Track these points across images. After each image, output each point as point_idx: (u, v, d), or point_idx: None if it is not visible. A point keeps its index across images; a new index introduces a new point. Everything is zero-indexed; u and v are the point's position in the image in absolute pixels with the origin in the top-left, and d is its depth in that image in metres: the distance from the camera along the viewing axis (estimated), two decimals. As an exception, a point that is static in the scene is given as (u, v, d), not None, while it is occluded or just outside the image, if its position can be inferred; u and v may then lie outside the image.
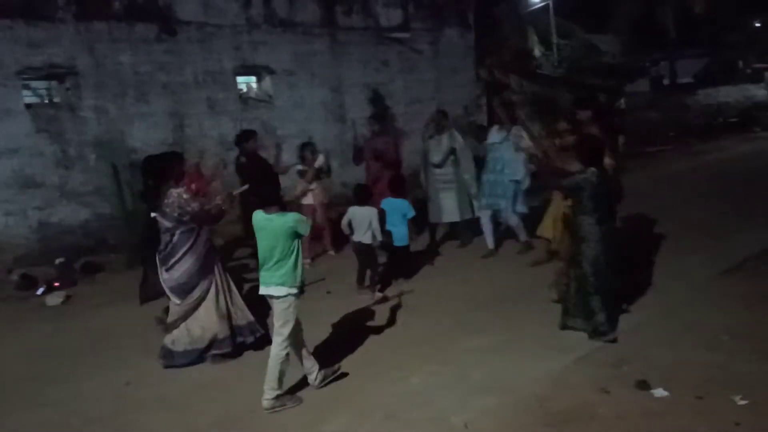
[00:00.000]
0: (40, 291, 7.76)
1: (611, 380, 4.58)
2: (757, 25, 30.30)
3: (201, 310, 5.22)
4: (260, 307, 5.32)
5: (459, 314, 6.10)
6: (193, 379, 5.09)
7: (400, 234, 7.22)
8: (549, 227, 7.04)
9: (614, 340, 5.28)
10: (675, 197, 11.00)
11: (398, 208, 7.18)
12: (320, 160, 8.14)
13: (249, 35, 10.63)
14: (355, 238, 6.96)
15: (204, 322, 5.21)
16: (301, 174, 8.07)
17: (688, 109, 22.53)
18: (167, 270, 5.17)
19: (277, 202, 4.59)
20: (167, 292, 5.22)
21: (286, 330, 4.47)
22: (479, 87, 14.49)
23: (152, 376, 5.18)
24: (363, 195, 7.07)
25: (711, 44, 29.65)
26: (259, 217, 4.54)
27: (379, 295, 6.80)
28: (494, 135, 8.06)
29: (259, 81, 11.24)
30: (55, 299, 7.43)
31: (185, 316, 5.22)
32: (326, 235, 8.64)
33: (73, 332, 6.46)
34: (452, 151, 8.19)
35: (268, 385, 4.45)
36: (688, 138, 19.61)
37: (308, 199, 8.16)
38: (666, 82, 29.06)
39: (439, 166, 8.23)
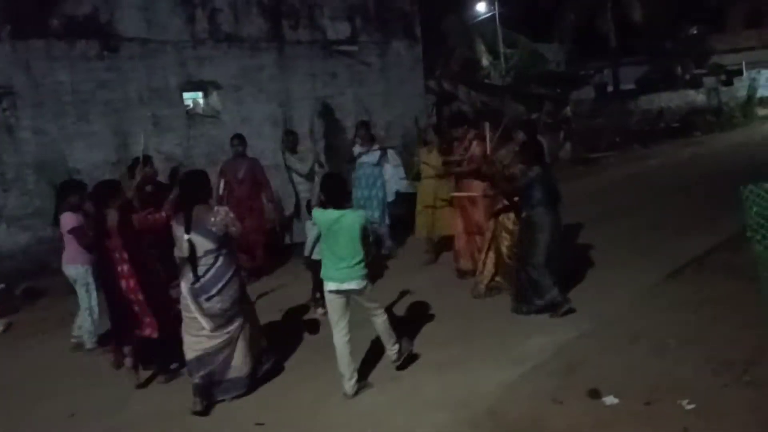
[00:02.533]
0: (-21, 320, 7.44)
1: (563, 390, 4.63)
2: (694, 32, 31.42)
3: (236, 348, 4.80)
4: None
5: (407, 328, 6.07)
6: (137, 410, 4.92)
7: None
8: (422, 227, 8.42)
9: (573, 310, 6.05)
10: (619, 203, 11.26)
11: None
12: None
13: (194, 50, 10.48)
14: (306, 252, 6.91)
15: (236, 361, 4.83)
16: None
17: (631, 115, 23.18)
18: (209, 298, 4.63)
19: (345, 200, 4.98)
20: (202, 317, 4.64)
21: (380, 307, 5.04)
22: (429, 98, 14.59)
23: (97, 406, 5.00)
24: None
25: (650, 52, 30.61)
26: (327, 215, 4.75)
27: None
28: (366, 155, 8.74)
29: (205, 96, 11.08)
30: (-5, 328, 7.14)
31: (214, 351, 4.73)
32: None
33: (15, 362, 6.24)
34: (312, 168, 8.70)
35: (391, 342, 5.02)
36: (632, 143, 20.17)
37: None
38: (610, 89, 29.80)
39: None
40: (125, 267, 5.22)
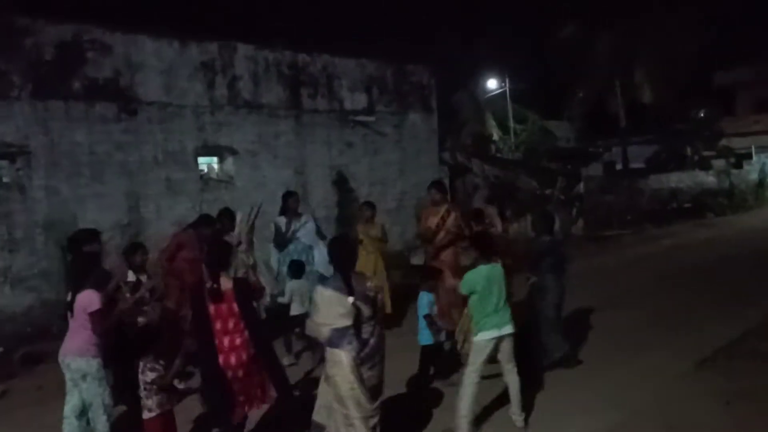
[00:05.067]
0: (-26, 385, 7.10)
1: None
2: (702, 115, 31.76)
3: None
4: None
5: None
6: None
7: (420, 332, 6.40)
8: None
9: (580, 362, 6.80)
10: (637, 285, 10.97)
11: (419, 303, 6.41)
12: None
13: (212, 116, 10.50)
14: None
15: None
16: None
17: (641, 194, 23.07)
18: (372, 367, 4.35)
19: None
20: (366, 393, 4.31)
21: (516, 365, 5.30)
22: (442, 170, 14.55)
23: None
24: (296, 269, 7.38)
25: (660, 132, 30.88)
26: (483, 271, 5.20)
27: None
28: (297, 229, 8.23)
29: (221, 161, 11.03)
30: (-10, 394, 6.80)
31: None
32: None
33: (8, 433, 5.88)
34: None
35: (520, 408, 5.27)
36: (643, 222, 19.97)
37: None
38: (619, 166, 29.88)
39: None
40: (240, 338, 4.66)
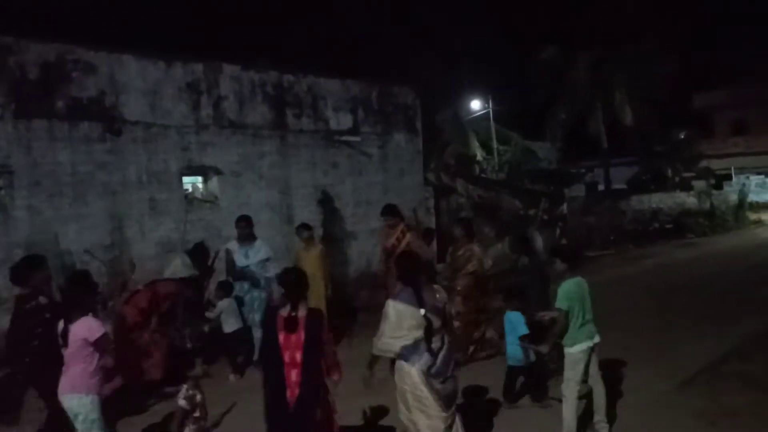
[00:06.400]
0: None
1: None
2: (681, 136, 32.25)
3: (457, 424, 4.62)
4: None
5: None
6: None
7: (510, 352, 6.40)
8: None
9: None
10: (620, 304, 11.02)
11: (510, 323, 6.45)
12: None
13: (197, 136, 10.45)
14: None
15: None
16: None
17: (623, 215, 23.30)
18: (445, 380, 4.48)
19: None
20: (440, 402, 4.44)
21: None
22: (427, 190, 14.61)
23: None
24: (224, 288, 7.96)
25: (641, 153, 31.29)
26: (576, 282, 5.41)
27: None
28: (247, 255, 8.35)
29: (205, 181, 10.98)
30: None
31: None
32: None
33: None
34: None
35: (605, 415, 5.49)
36: (625, 242, 20.16)
37: None
38: (601, 187, 30.18)
39: None
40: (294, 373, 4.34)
